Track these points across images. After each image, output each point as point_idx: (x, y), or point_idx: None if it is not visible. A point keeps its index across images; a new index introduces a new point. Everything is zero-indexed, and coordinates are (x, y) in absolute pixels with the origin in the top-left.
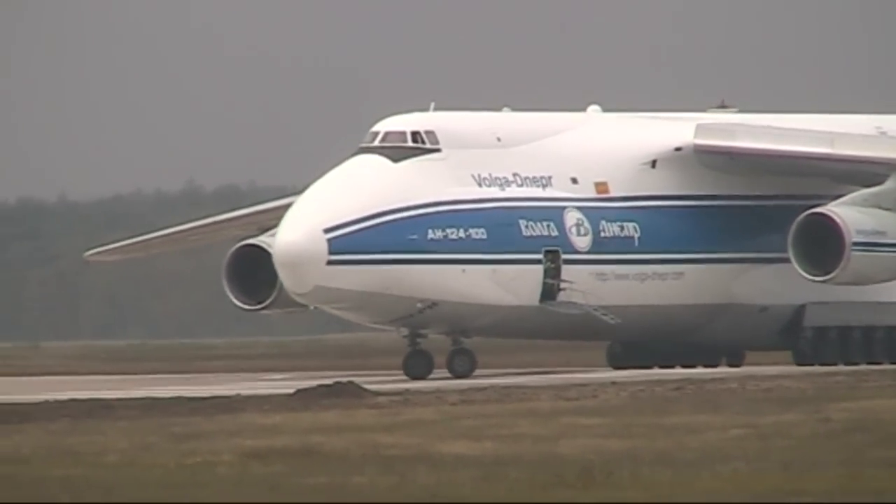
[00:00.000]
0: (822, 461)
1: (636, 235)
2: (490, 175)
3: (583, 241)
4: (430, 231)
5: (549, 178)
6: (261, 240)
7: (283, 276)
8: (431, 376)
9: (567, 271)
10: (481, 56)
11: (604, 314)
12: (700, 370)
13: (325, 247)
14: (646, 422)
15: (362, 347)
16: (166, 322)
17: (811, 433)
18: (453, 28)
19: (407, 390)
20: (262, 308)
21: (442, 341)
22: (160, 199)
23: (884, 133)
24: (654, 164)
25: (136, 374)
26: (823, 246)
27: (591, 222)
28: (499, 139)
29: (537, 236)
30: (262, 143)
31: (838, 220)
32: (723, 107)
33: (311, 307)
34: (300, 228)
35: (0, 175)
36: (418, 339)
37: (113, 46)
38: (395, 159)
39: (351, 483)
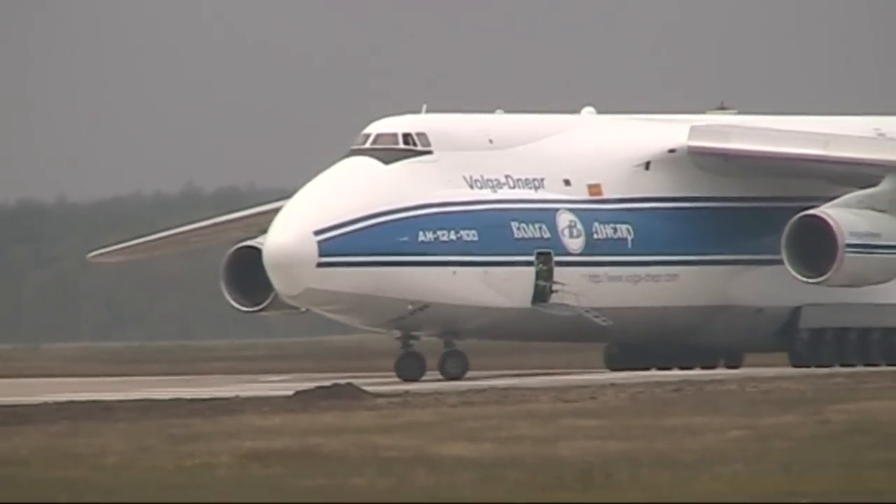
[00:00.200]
0: (821, 463)
1: (629, 237)
2: (482, 177)
3: (575, 243)
4: (421, 233)
5: (542, 179)
6: (258, 242)
7: (274, 278)
8: (424, 378)
9: (560, 273)
10: (475, 58)
11: (595, 316)
12: (699, 372)
13: (315, 249)
14: (645, 423)
15: (361, 349)
16: (166, 324)
17: (810, 435)
18: (447, 30)
19: (406, 392)
20: (260, 310)
21: (434, 343)
22: (160, 201)
23: (882, 134)
24: (647, 165)
25: (135, 375)
26: (818, 248)
27: (583, 224)
28: (491, 141)
29: (529, 238)
30: (262, 144)
31: (831, 221)
32: (722, 108)
33: (303, 309)
34: (290, 230)
35: None
36: (411, 341)
37: (112, 50)
38: (387, 161)
39: (350, 484)
